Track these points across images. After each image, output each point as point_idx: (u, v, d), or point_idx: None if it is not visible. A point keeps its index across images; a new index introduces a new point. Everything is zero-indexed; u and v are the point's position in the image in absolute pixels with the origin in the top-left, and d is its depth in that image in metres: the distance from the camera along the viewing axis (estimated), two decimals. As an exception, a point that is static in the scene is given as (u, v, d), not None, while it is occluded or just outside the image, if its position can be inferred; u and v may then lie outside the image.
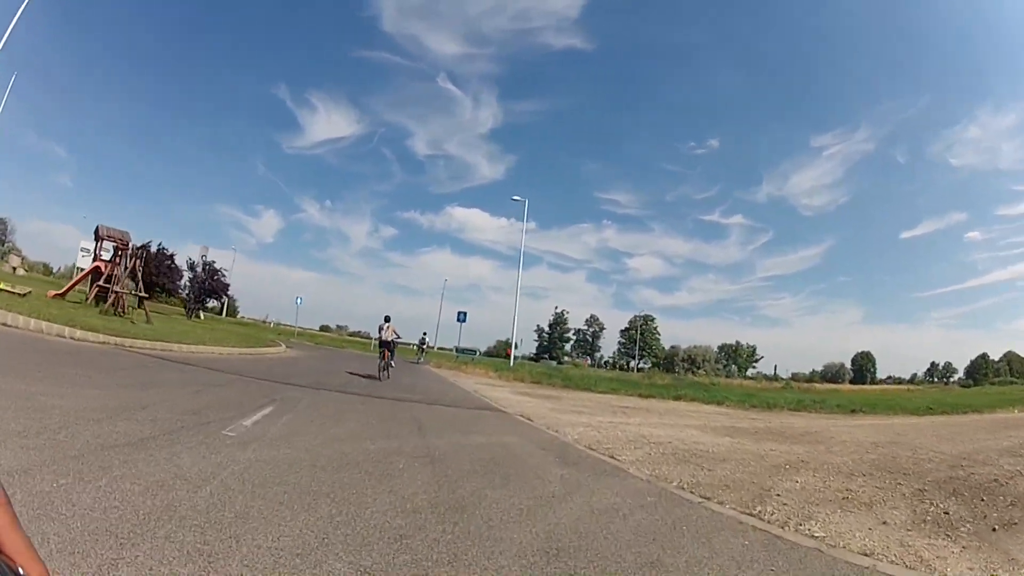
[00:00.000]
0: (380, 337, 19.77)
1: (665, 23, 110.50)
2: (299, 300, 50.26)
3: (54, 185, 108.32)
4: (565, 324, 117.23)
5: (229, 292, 51.82)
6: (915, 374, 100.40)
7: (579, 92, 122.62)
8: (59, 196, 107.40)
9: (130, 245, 28.13)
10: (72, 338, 14.68)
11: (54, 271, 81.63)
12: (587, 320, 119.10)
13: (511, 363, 39.91)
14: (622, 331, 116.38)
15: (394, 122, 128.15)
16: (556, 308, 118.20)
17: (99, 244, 29.76)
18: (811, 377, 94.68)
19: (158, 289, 47.21)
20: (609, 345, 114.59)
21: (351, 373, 20.39)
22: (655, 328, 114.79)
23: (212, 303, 57.31)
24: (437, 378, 25.12)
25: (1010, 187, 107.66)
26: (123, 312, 24.37)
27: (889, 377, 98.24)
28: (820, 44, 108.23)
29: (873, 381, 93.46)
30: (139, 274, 27.18)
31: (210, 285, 47.37)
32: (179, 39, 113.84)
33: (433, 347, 38.53)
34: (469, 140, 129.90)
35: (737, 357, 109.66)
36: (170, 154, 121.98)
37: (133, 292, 26.29)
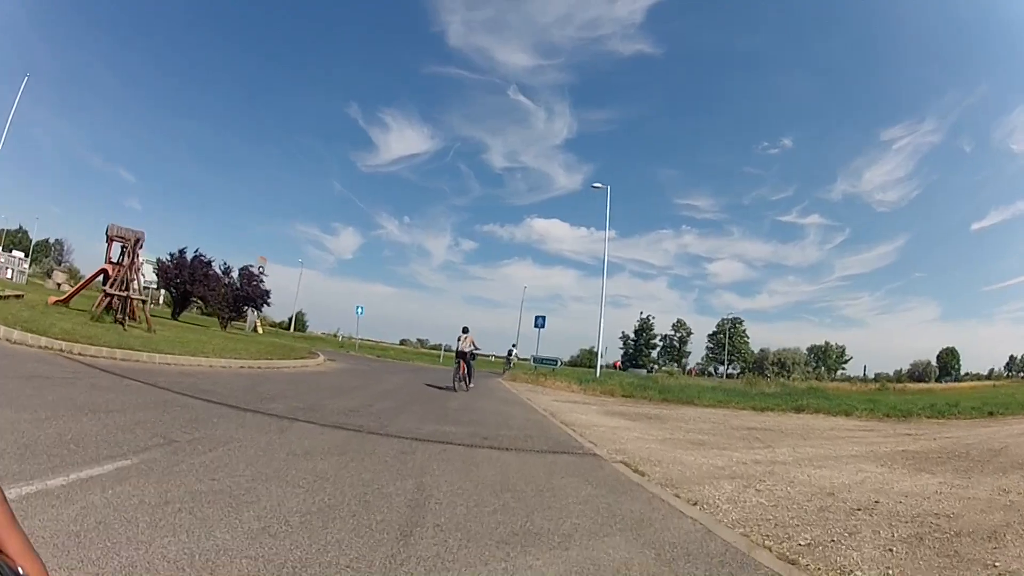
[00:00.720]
0: (458, 348, 19.02)
1: (729, 25, 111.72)
2: (360, 310, 45.76)
3: (122, 208, 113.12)
4: (651, 330, 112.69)
5: (269, 300, 46.72)
6: (992, 369, 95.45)
7: (651, 98, 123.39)
8: (129, 220, 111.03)
9: (140, 243, 24.07)
10: (8, 340, 12.14)
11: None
12: (673, 325, 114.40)
13: (597, 373, 34.55)
14: (709, 335, 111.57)
15: (468, 136, 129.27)
16: (642, 314, 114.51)
17: (110, 246, 25.91)
18: (899, 377, 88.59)
19: (196, 299, 43.96)
20: (696, 351, 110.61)
21: (386, 393, 15.46)
22: (743, 331, 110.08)
23: (255, 312, 53.78)
24: (505, 395, 19.43)
25: None
26: (128, 319, 20.45)
27: (967, 374, 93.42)
28: (881, 39, 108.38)
29: (958, 379, 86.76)
30: (138, 275, 23.21)
31: (246, 292, 43.04)
32: (248, 62, 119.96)
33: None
34: (545, 151, 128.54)
35: (827, 359, 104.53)
36: (244, 176, 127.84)
37: (131, 295, 22.28)
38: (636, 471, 7.29)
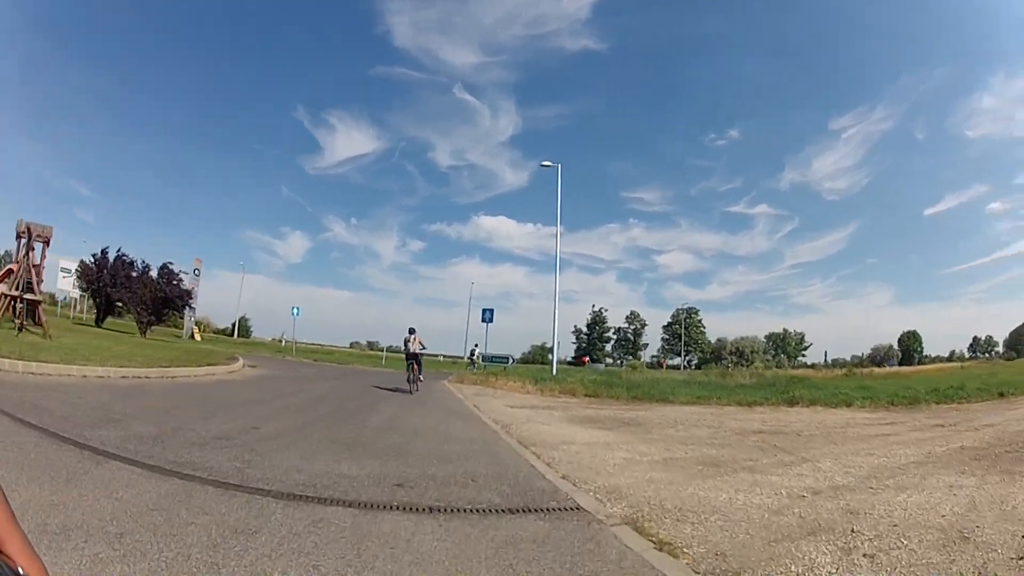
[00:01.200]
0: (406, 350, 19.02)
1: (677, 15, 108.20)
2: (296, 311, 41.95)
3: (76, 220, 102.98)
4: (604, 323, 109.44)
5: (192, 301, 42.32)
6: (953, 351, 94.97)
7: (598, 93, 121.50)
8: (83, 231, 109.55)
9: (47, 240, 20.95)
10: None
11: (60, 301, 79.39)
12: (627, 318, 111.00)
13: (553, 370, 31.48)
14: (664, 327, 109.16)
15: (415, 136, 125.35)
16: (594, 307, 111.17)
17: (19, 243, 22.61)
18: (860, 362, 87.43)
19: (119, 304, 39.59)
20: (651, 343, 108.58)
21: (293, 407, 12.97)
22: (699, 321, 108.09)
23: (191, 317, 50.12)
24: (449, 402, 16.55)
25: None
26: (34, 323, 17.80)
27: (927, 357, 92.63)
28: (834, 24, 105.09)
29: (920, 362, 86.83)
30: (33, 275, 19.98)
31: (164, 293, 38.19)
32: (192, 69, 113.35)
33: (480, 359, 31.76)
34: (491, 149, 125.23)
35: (786, 346, 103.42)
36: (192, 183, 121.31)
37: (29, 296, 19.22)
38: (660, 545, 4.32)
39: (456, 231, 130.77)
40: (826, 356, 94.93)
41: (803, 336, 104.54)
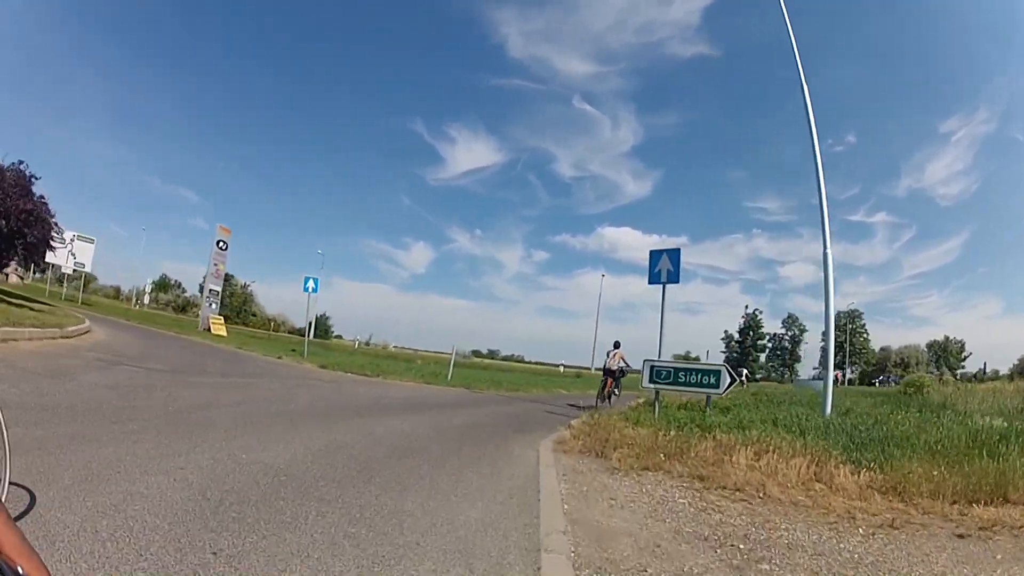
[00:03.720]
0: (605, 365, 18.81)
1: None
2: (311, 284, 25.98)
3: (188, 227, 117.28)
4: (759, 328, 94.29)
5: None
6: None
7: (714, 100, 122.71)
8: (196, 238, 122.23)
9: None
10: None
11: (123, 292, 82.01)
12: (784, 322, 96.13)
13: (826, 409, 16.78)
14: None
15: (535, 147, 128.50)
16: (747, 308, 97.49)
17: None
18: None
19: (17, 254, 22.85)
20: (806, 354, 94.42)
21: None
22: (863, 327, 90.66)
23: (211, 303, 40.76)
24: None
25: None
26: None
27: None
28: (931, 25, 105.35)
29: None
30: None
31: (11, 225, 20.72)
32: (310, 82, 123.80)
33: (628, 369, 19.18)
34: (612, 159, 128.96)
35: (948, 356, 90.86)
36: (314, 196, 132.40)
37: None
38: None
39: (580, 242, 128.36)
40: (985, 366, 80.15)
41: (963, 344, 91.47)
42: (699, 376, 12.12)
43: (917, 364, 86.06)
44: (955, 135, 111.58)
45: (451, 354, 26.33)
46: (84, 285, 51.96)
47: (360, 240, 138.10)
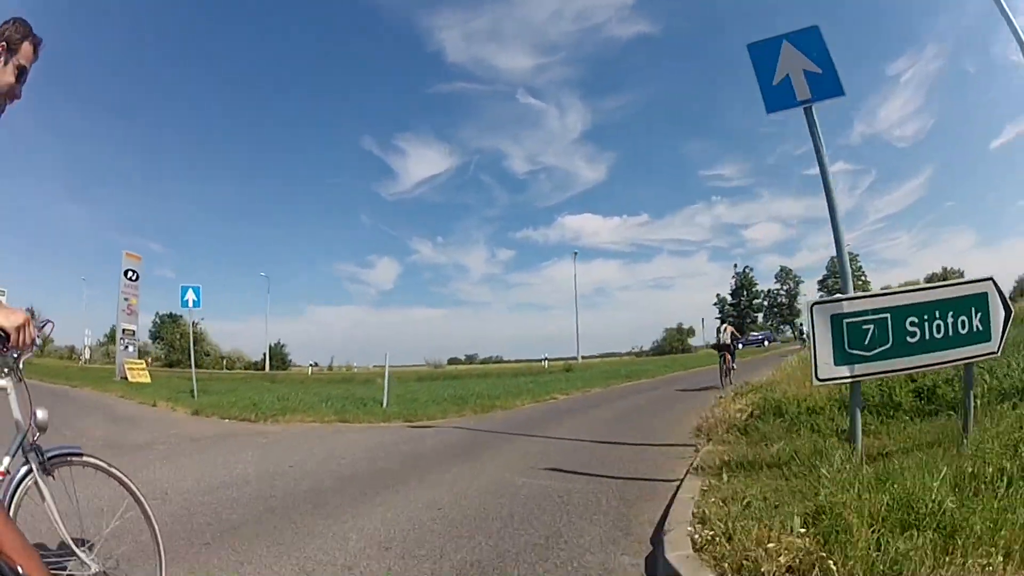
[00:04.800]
0: (718, 341, 18.79)
1: None
2: (190, 298, 18.82)
3: (156, 278, 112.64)
4: (753, 286, 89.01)
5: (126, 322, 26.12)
6: None
7: (659, 76, 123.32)
8: (165, 288, 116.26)
9: None
10: None
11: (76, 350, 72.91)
12: (777, 276, 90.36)
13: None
14: (820, 281, 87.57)
15: (486, 147, 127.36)
16: (736, 266, 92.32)
17: None
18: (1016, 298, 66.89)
19: None
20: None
21: None
22: (861, 271, 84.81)
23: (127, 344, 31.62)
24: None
25: None
26: None
27: None
28: None
29: None
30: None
31: None
32: (253, 111, 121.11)
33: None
34: (564, 148, 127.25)
35: None
36: (277, 228, 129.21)
37: None
38: None
39: (543, 235, 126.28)
40: None
41: (963, 273, 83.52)
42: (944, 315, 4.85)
43: None
44: (904, 76, 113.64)
45: (384, 370, 16.89)
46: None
47: (327, 265, 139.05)
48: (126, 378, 29.22)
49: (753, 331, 77.85)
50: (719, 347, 18.54)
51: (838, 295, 5.28)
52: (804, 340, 38.87)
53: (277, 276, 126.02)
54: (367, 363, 69.15)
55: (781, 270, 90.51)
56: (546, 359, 52.06)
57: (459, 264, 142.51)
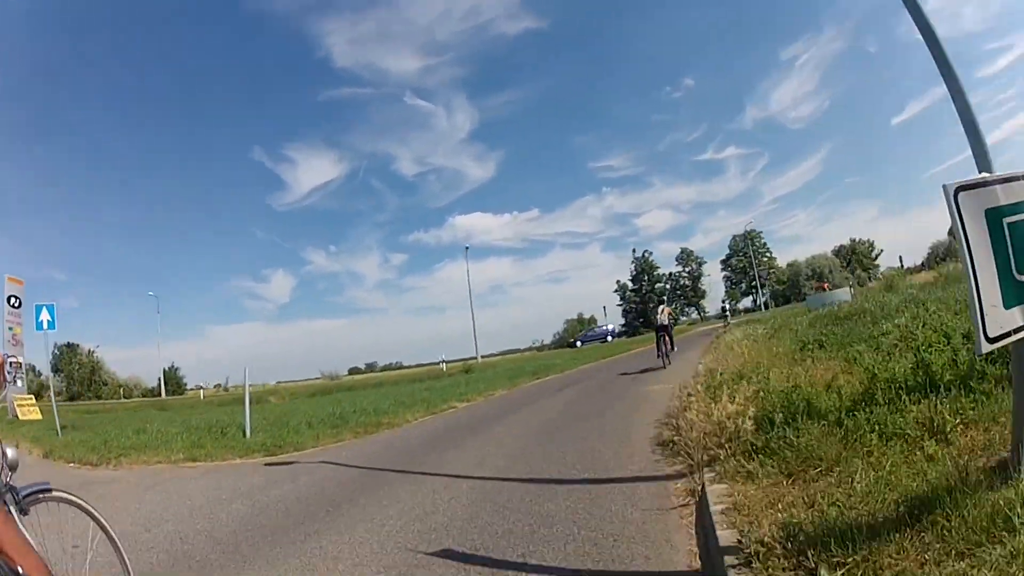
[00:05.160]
0: (658, 321, 19.54)
1: None
2: (43, 321, 17.13)
3: (62, 309, 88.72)
4: (655, 270, 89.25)
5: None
6: None
7: (548, 71, 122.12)
8: (69, 318, 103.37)
9: None
10: None
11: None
12: (679, 258, 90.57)
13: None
14: (723, 261, 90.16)
15: (375, 151, 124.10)
16: (634, 251, 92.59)
17: None
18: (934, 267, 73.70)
19: None
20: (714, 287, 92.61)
21: None
22: (765, 246, 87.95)
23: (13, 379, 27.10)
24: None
25: (982, 47, 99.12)
26: None
27: None
28: None
29: None
30: None
31: None
32: (141, 130, 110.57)
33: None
34: (452, 148, 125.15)
35: (860, 258, 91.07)
36: (169, 245, 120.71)
37: None
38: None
39: (434, 236, 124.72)
40: (902, 261, 79.15)
41: (872, 243, 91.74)
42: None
43: (831, 272, 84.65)
44: (799, 59, 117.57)
45: (244, 389, 14.04)
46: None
47: (224, 282, 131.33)
48: (17, 417, 25.63)
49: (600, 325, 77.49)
50: (657, 328, 19.48)
51: (985, 175, 3.18)
52: (727, 317, 39.83)
53: (174, 297, 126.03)
54: (269, 380, 67.39)
55: (682, 252, 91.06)
56: (443, 361, 50.77)
57: (353, 272, 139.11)
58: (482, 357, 59.59)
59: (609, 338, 66.47)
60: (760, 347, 13.96)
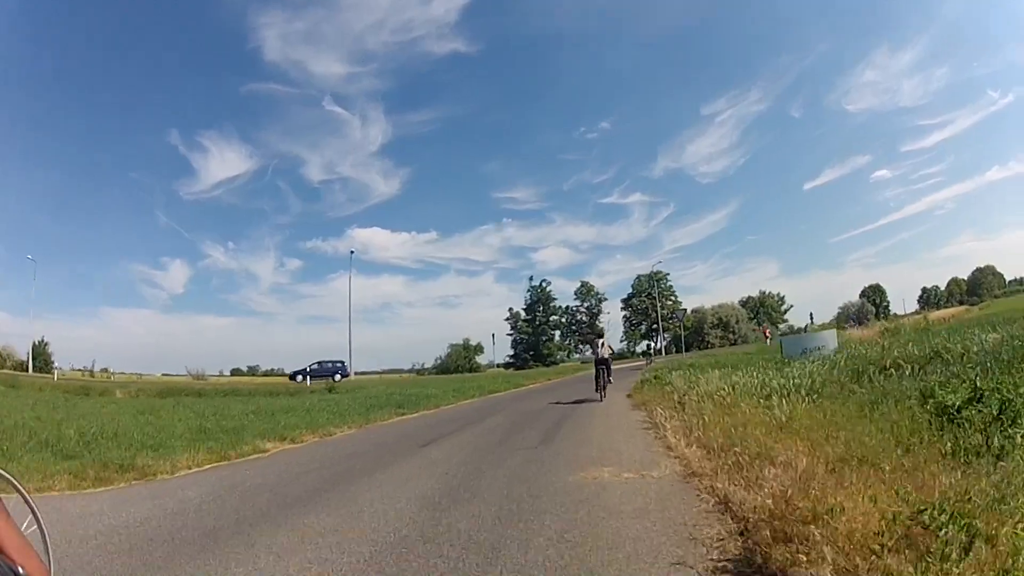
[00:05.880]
0: (597, 355, 19.89)
1: (544, 14, 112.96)
2: None
3: None
4: (551, 301, 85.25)
5: None
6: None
7: (467, 96, 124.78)
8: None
9: None
10: None
11: None
12: (578, 291, 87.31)
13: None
14: (625, 300, 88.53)
15: (286, 152, 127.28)
16: (531, 279, 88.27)
17: None
18: (839, 325, 76.80)
19: None
20: (613, 326, 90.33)
21: None
22: (671, 288, 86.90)
23: None
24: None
25: (914, 123, 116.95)
26: None
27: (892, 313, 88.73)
28: (706, 12, 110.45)
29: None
30: None
31: None
32: (64, 97, 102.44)
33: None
34: (362, 159, 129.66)
35: (771, 311, 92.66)
36: (74, 217, 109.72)
37: None
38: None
39: (332, 246, 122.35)
40: (812, 318, 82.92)
41: (783, 297, 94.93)
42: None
43: (738, 322, 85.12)
44: (721, 116, 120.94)
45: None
46: None
47: (122, 264, 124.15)
48: None
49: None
50: (597, 361, 19.71)
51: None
52: (651, 357, 38.48)
53: (71, 275, 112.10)
54: (157, 370, 63.36)
55: (583, 285, 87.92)
56: (309, 373, 45.93)
57: (249, 272, 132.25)
58: (359, 374, 56.50)
59: (338, 376, 49.53)
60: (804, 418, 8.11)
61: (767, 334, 64.76)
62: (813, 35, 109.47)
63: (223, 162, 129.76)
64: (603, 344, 20.05)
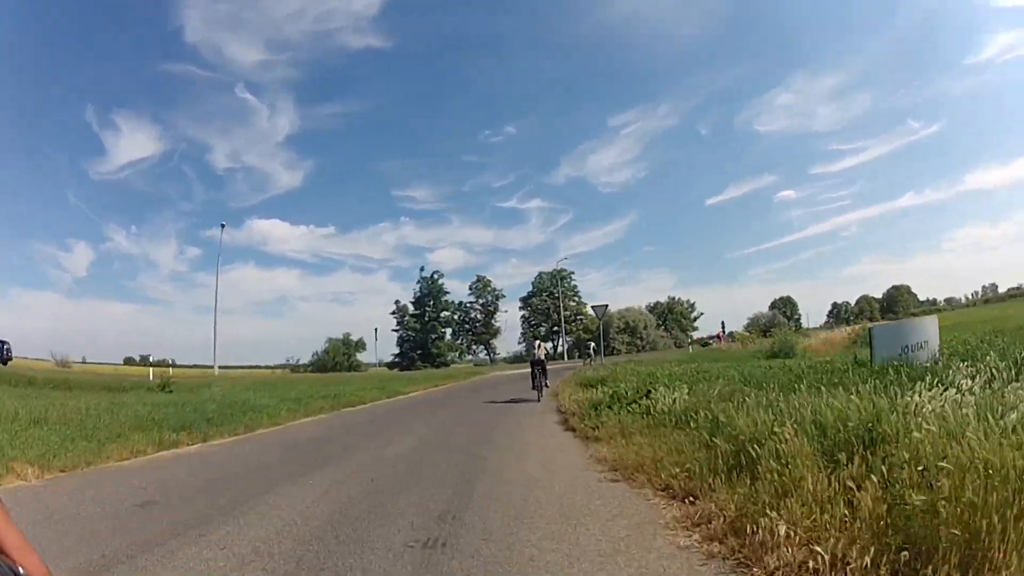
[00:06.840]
0: (535, 356, 20.51)
1: (463, 15, 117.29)
2: None
3: None
4: (442, 295, 77.77)
5: None
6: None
7: (376, 92, 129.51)
8: None
9: None
10: None
11: None
12: (472, 286, 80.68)
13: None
14: (524, 299, 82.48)
15: (194, 137, 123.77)
16: (422, 271, 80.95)
17: None
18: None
19: None
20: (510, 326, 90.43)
21: None
22: (575, 288, 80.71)
23: None
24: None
25: (826, 147, 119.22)
26: None
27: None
28: (621, 26, 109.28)
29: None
30: None
31: None
32: None
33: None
34: (267, 149, 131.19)
35: (680, 317, 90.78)
36: None
37: None
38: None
39: (230, 236, 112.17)
40: (723, 326, 78.77)
41: (694, 304, 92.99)
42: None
43: (646, 328, 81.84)
44: (627, 128, 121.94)
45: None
46: None
47: (28, 242, 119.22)
48: None
49: None
50: (533, 362, 20.39)
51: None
52: (590, 356, 36.81)
53: None
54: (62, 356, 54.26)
55: (478, 280, 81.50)
56: (151, 365, 37.46)
57: (149, 258, 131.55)
58: (223, 367, 49.42)
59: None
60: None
61: (720, 336, 62.25)
62: (731, 57, 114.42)
63: (133, 143, 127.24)
64: (539, 346, 21.30)
